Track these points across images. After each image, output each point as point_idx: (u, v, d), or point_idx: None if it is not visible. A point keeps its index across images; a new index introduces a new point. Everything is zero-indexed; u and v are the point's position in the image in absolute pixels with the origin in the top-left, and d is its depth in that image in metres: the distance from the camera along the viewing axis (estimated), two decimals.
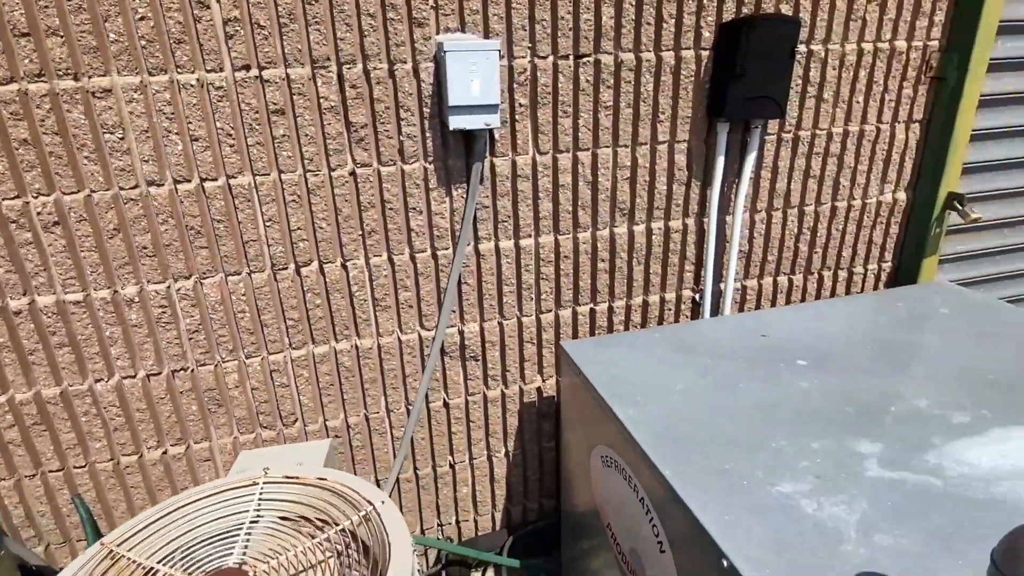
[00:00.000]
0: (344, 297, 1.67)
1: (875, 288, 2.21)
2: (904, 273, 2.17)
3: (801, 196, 1.98)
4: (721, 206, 1.91)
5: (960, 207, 1.98)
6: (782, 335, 1.63)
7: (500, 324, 1.84)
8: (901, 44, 1.86)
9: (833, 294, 2.17)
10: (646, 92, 1.70)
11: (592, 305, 1.92)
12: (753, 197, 1.94)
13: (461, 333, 1.81)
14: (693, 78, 1.72)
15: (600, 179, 1.76)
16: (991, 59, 1.91)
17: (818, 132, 1.90)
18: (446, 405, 1.89)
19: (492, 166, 1.65)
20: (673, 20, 1.65)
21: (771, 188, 1.94)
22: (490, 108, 1.47)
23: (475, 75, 1.42)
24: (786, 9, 1.71)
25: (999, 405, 1.25)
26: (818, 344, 1.56)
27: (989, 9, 1.80)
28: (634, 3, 1.60)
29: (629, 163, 1.77)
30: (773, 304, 2.12)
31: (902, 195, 2.09)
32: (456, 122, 1.47)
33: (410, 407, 1.85)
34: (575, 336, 1.94)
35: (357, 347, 1.74)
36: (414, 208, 1.63)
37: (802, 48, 1.77)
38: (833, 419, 1.23)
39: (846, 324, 1.66)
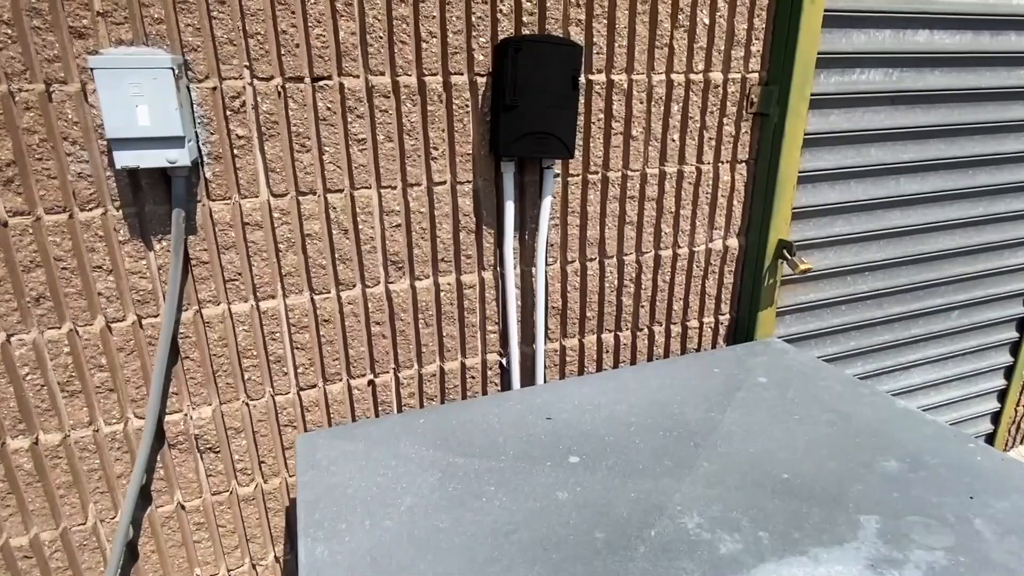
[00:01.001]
0: (10, 383, 1.27)
1: (713, 343, 1.99)
2: (744, 325, 1.96)
3: (619, 244, 1.74)
4: (524, 257, 1.64)
5: (789, 256, 1.79)
6: (569, 416, 1.34)
7: (247, 405, 1.48)
8: (716, 76, 1.67)
9: (667, 351, 1.93)
10: (410, 123, 1.41)
11: (371, 376, 1.59)
12: (562, 246, 1.68)
13: (189, 419, 1.44)
14: (469, 108, 1.45)
15: (363, 227, 1.45)
16: (813, 94, 1.74)
17: (630, 173, 1.67)
18: (182, 507, 1.50)
19: (210, 212, 1.31)
20: (436, 40, 1.38)
21: (582, 236, 1.69)
22: (172, 141, 1.14)
23: (141, 99, 1.08)
24: (576, 32, 1.48)
25: (781, 521, 0.99)
26: (604, 430, 1.28)
27: (805, 40, 1.64)
28: (381, 17, 1.32)
29: (399, 208, 1.47)
30: (598, 366, 1.85)
31: (734, 242, 1.88)
32: (122, 159, 1.12)
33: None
34: (354, 416, 1.60)
35: (40, 443, 1.33)
36: (99, 267, 1.27)
37: (599, 78, 1.54)
38: (577, 552, 0.93)
39: (644, 400, 1.40)
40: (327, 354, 1.52)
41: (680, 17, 1.57)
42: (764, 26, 1.67)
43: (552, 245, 1.66)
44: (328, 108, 1.34)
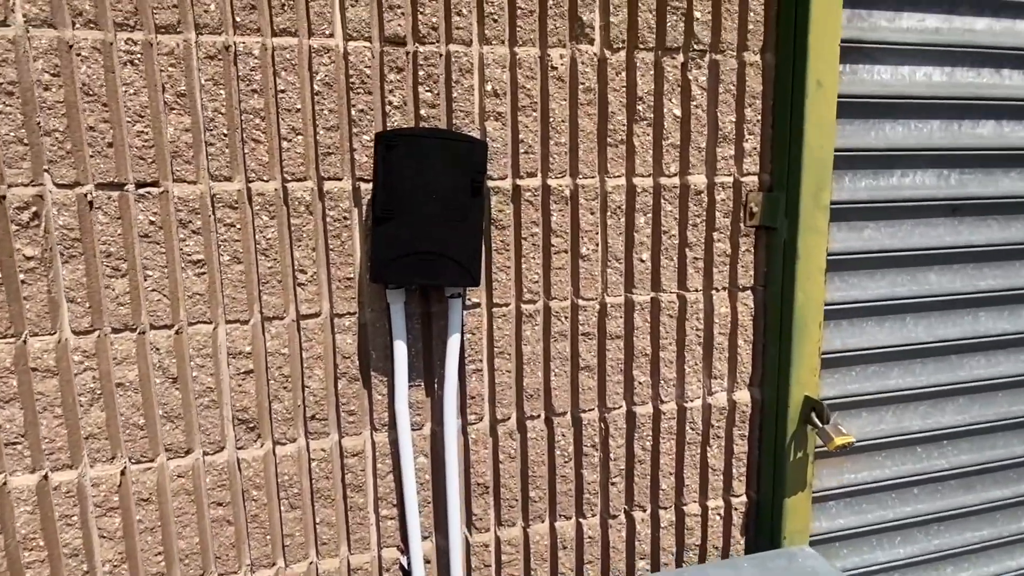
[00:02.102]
0: None
1: (725, 536, 1.43)
2: (767, 512, 1.40)
3: (572, 397, 1.29)
4: (435, 413, 1.21)
5: (819, 422, 1.26)
6: None
7: None
8: (698, 179, 1.28)
9: (655, 547, 1.39)
10: (266, 241, 1.09)
11: None
12: (490, 399, 1.24)
13: None
14: (350, 221, 1.11)
15: (199, 373, 1.09)
16: (836, 203, 1.30)
17: (582, 303, 1.25)
18: None
19: None
20: (303, 138, 1.08)
21: (518, 385, 1.25)
22: None
23: None
24: (497, 128, 1.15)
25: None
26: None
27: (815, 134, 1.23)
28: (224, 110, 1.04)
29: (251, 348, 1.11)
30: (553, 568, 1.33)
31: (744, 396, 1.38)
32: None
33: None
34: None
35: None
36: None
37: (531, 183, 1.18)
38: None
39: None
40: (146, 547, 1.11)
41: (639, 108, 1.22)
42: (758, 117, 1.29)
43: (475, 398, 1.23)
44: (152, 222, 1.03)
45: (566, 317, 1.25)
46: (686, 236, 1.29)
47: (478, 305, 1.20)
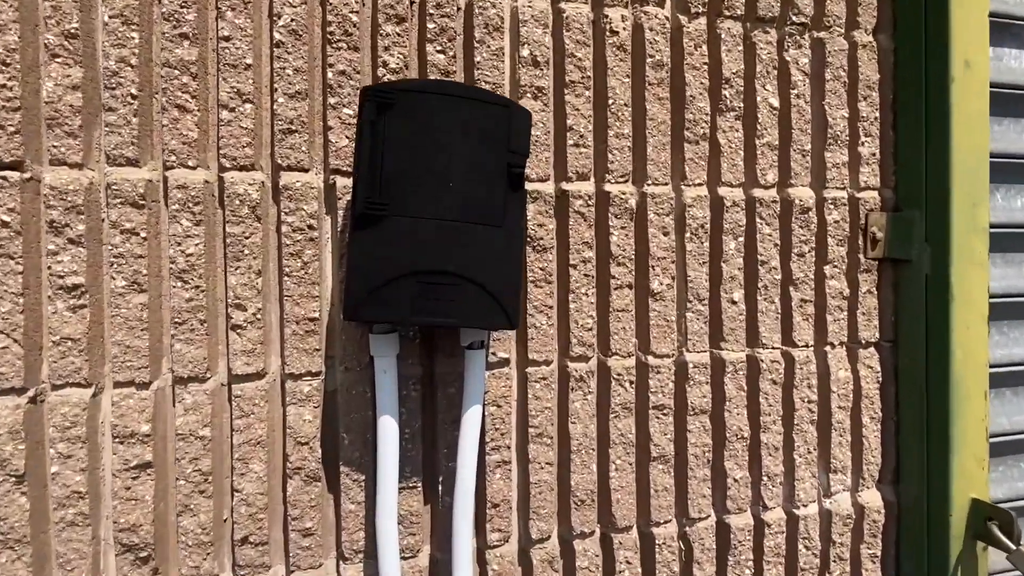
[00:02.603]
0: None
1: None
2: None
3: (641, 504, 0.87)
4: (436, 533, 0.79)
5: (1005, 538, 0.86)
6: None
7: None
8: (800, 192, 0.93)
9: None
10: (185, 260, 0.71)
11: None
12: (521, 509, 0.83)
13: None
14: (312, 232, 0.74)
15: (59, 466, 0.68)
16: (997, 226, 0.96)
17: (655, 363, 0.87)
18: None
19: None
20: (249, 106, 0.73)
21: (563, 488, 0.84)
22: None
23: None
24: (537, 109, 0.81)
25: None
26: None
27: (965, 131, 0.91)
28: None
29: (145, 429, 0.70)
30: None
31: (874, 497, 0.98)
32: None
33: None
34: None
35: None
36: None
37: (581, 187, 0.83)
38: None
39: None
40: None
41: (725, 93, 0.90)
42: (876, 114, 0.97)
43: (498, 506, 0.81)
44: (4, 223, 0.66)
45: (630, 382, 0.86)
46: (789, 270, 0.94)
47: (506, 363, 0.82)
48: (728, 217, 0.90)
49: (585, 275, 0.84)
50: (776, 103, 0.92)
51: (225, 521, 0.74)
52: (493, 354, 0.81)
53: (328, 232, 0.77)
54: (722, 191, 0.90)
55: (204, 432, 0.71)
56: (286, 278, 0.74)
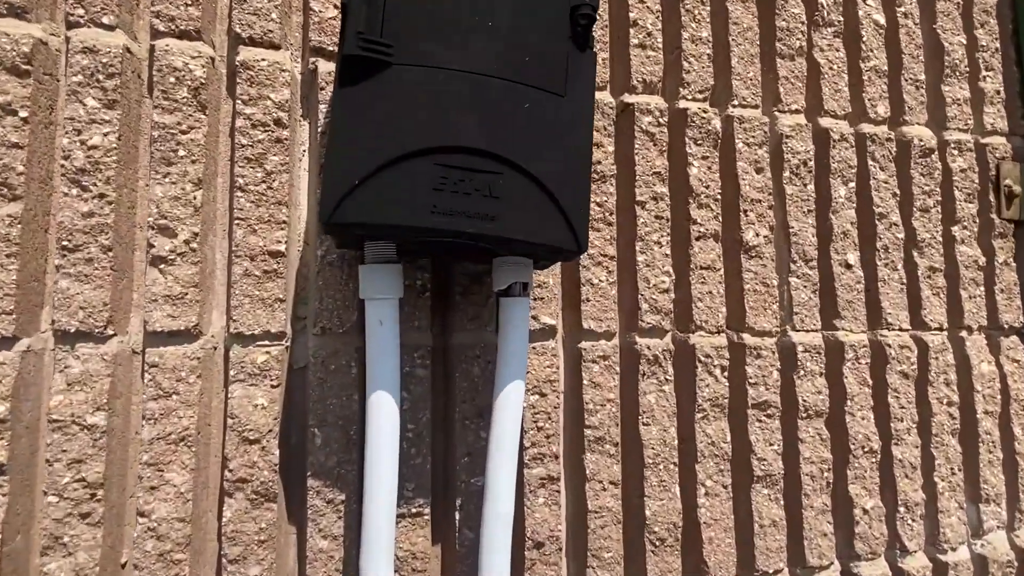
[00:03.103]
0: None
1: None
2: None
3: (741, 544, 0.61)
4: (448, 562, 0.53)
5: None
6: None
7: None
8: (920, 133, 0.73)
9: None
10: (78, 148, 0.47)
11: None
12: (574, 546, 0.57)
13: None
14: (280, 114, 0.52)
15: None
16: None
17: (753, 342, 0.63)
18: None
19: None
20: None
21: (630, 515, 0.58)
22: None
23: None
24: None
25: None
26: None
27: None
28: None
29: None
30: None
31: None
32: None
33: None
34: None
35: None
36: None
37: (650, 101, 0.62)
38: None
39: None
40: None
41: (823, 2, 0.70)
42: (996, 44, 0.78)
43: (542, 544, 0.55)
44: None
45: (722, 369, 0.62)
46: (913, 229, 0.72)
47: (550, 333, 0.58)
48: (835, 155, 0.69)
49: (657, 217, 0.61)
50: (881, 19, 0.73)
51: (124, 567, 0.47)
52: (533, 318, 0.57)
53: (305, 140, 0.54)
54: (824, 122, 0.69)
55: (96, 420, 0.46)
56: (239, 193, 0.50)
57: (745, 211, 0.64)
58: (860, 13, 0.72)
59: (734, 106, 0.66)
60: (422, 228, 0.40)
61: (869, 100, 0.71)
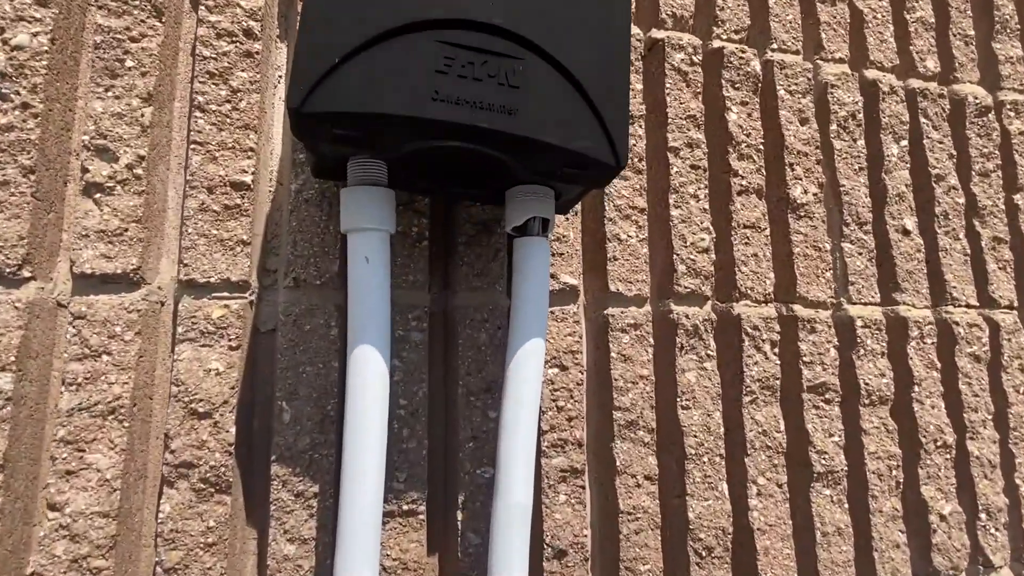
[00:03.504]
0: None
1: None
2: None
3: (803, 567, 0.51)
4: None
5: None
6: None
7: None
8: (973, 91, 0.65)
9: None
10: None
11: None
12: (603, 555, 0.46)
13: None
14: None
15: None
16: None
17: (805, 314, 0.54)
18: None
19: None
20: None
21: (670, 518, 0.48)
22: None
23: None
24: None
25: None
26: None
27: None
28: None
29: None
30: None
31: None
32: None
33: None
34: None
35: None
36: None
37: (684, 39, 0.55)
38: None
39: None
40: None
41: None
42: None
43: (566, 552, 0.44)
44: None
45: (772, 344, 0.52)
46: (972, 195, 0.63)
47: (572, 296, 0.48)
48: (885, 109, 0.61)
49: (692, 167, 0.53)
50: None
51: None
52: (552, 276, 0.48)
53: (282, 64, 0.46)
54: (870, 74, 0.62)
55: (3, 384, 0.36)
56: (198, 113, 0.41)
57: (791, 165, 0.56)
58: None
59: (773, 50, 0.58)
60: (420, 120, 0.31)
61: (917, 53, 0.64)
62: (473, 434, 0.44)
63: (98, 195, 0.39)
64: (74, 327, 0.38)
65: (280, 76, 0.46)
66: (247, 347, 0.41)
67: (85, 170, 0.39)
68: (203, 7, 0.43)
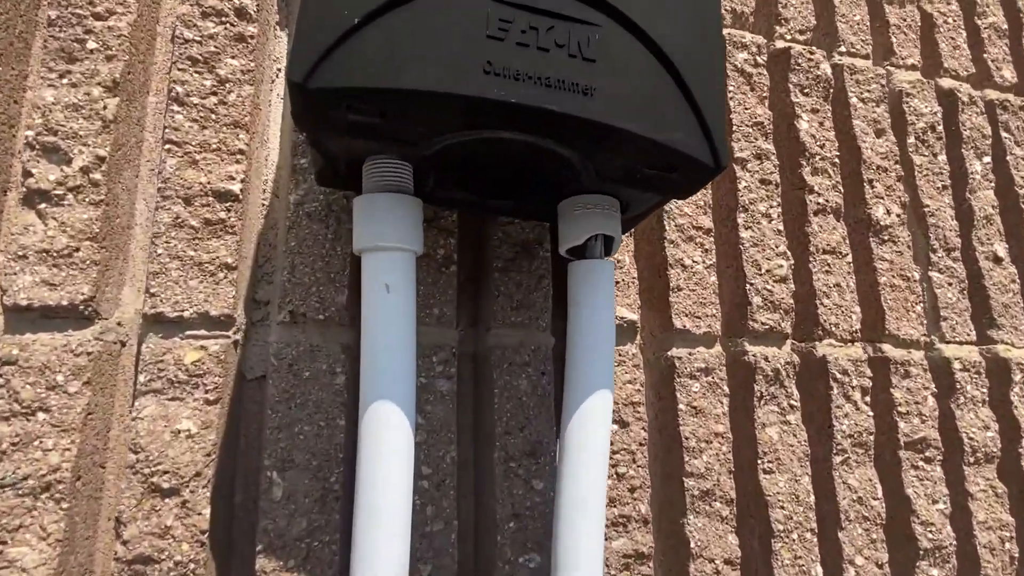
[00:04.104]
0: None
1: None
2: None
3: None
4: None
5: None
6: None
7: None
8: None
9: None
10: None
11: None
12: None
13: None
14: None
15: None
16: None
17: (898, 356, 0.45)
18: None
19: None
20: None
21: None
22: None
23: None
24: None
25: None
26: None
27: None
28: None
29: None
30: None
31: None
32: None
33: None
34: None
35: None
36: None
37: (756, 41, 0.48)
38: None
39: None
40: None
41: None
42: None
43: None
44: None
45: (863, 392, 0.44)
46: None
47: (629, 333, 0.40)
48: (965, 121, 0.54)
49: (763, 181, 0.45)
50: None
51: None
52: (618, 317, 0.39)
53: (281, 55, 0.38)
54: (945, 83, 0.55)
55: None
56: (175, 107, 0.33)
57: (870, 181, 0.48)
58: None
59: (840, 53, 0.51)
60: (469, 100, 0.23)
61: (993, 62, 0.58)
62: (514, 511, 0.34)
63: (42, 205, 0.30)
64: (2, 375, 0.29)
65: (279, 69, 0.38)
66: (228, 400, 0.32)
67: (28, 174, 0.31)
68: None
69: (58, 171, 0.31)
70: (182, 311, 0.31)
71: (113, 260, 0.32)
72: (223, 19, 0.35)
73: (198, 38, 0.34)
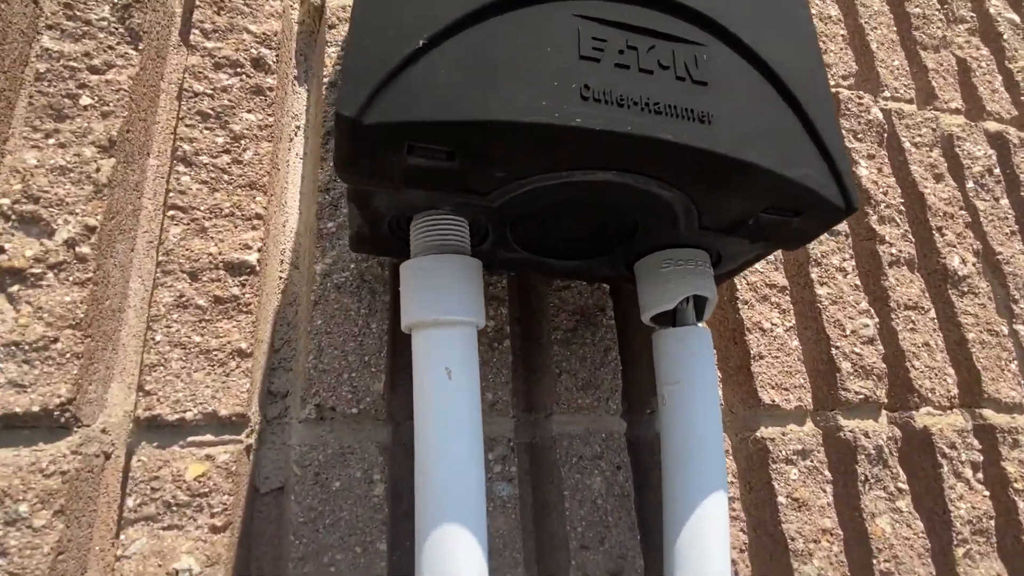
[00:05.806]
0: None
1: None
2: None
3: None
4: None
5: None
6: None
7: None
8: None
9: None
10: None
11: None
12: None
13: None
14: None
15: None
16: None
17: (1009, 423, 0.40)
18: None
19: None
20: None
21: None
22: None
23: None
24: None
25: None
26: None
27: None
28: None
29: None
30: None
31: None
32: None
33: None
34: None
35: None
36: None
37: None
38: None
39: None
40: None
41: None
42: None
43: None
44: None
45: (971, 464, 0.38)
46: None
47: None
48: (1020, 163, 0.51)
49: (831, 231, 0.41)
50: (1016, 18, 0.60)
51: None
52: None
53: (301, 112, 0.34)
54: (990, 126, 0.52)
55: None
56: (180, 167, 0.28)
57: (939, 229, 0.44)
58: (990, 9, 0.59)
59: (885, 98, 0.49)
60: (569, 129, 0.18)
61: None
62: None
63: (14, 288, 0.25)
64: None
65: (298, 127, 0.34)
66: (240, 524, 0.26)
67: (0, 250, 0.25)
68: (196, 31, 0.31)
69: (36, 245, 0.25)
70: (184, 412, 0.25)
71: (99, 352, 0.26)
72: (238, 70, 0.31)
73: (210, 91, 0.30)
